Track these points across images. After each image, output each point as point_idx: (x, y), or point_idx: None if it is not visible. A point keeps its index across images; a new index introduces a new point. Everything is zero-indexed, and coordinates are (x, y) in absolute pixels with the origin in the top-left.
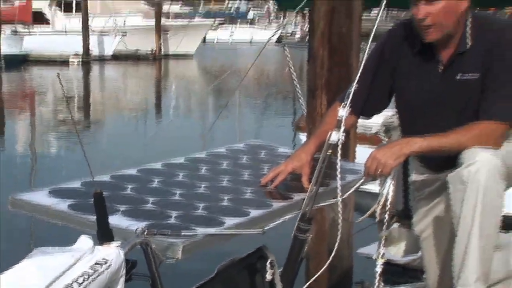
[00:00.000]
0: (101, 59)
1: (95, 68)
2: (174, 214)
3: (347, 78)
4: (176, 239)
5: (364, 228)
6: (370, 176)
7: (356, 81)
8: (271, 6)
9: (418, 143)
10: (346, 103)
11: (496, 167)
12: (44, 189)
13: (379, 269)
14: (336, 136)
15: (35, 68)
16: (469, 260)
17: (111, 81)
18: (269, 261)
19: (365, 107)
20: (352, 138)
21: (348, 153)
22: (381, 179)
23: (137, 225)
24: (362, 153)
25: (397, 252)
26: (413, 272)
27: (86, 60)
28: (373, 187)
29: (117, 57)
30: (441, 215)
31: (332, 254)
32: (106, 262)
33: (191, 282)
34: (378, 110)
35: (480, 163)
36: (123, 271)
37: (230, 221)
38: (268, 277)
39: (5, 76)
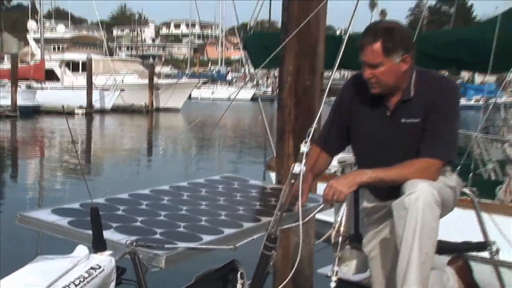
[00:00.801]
0: (102, 111)
1: (96, 119)
2: (159, 231)
3: (310, 125)
4: (160, 251)
5: (321, 249)
6: (328, 202)
7: (314, 122)
8: (247, 70)
9: (368, 174)
10: (307, 141)
11: (433, 196)
12: (48, 208)
13: (333, 284)
14: (298, 168)
15: (45, 117)
16: (410, 274)
17: (110, 129)
18: (239, 273)
19: (334, 147)
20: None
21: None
22: (336, 206)
23: (127, 239)
24: (322, 188)
25: (348, 270)
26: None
27: (89, 111)
28: (330, 218)
29: (116, 110)
30: (387, 237)
31: (293, 269)
32: (99, 267)
33: (172, 287)
34: (342, 148)
35: (419, 192)
36: (114, 276)
37: (206, 238)
38: (239, 286)
39: (20, 124)
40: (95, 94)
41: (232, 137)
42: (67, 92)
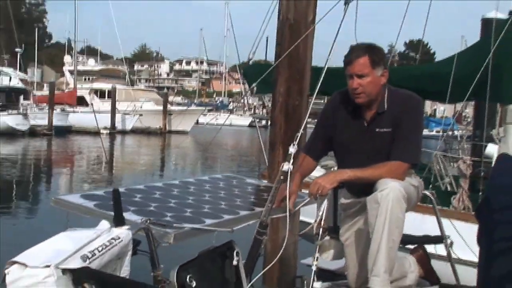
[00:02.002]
0: (123, 132)
1: (118, 138)
2: (169, 214)
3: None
4: (169, 229)
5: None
6: (312, 195)
7: (301, 129)
8: (246, 100)
9: (348, 173)
10: (295, 143)
11: (400, 192)
12: (77, 193)
13: (314, 267)
14: (287, 167)
15: (76, 136)
16: (379, 257)
17: (129, 147)
18: (235, 251)
19: (317, 153)
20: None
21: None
22: (318, 201)
23: (142, 218)
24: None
25: (327, 257)
26: (339, 276)
27: (112, 132)
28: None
29: (135, 131)
30: (360, 228)
31: (280, 252)
32: (119, 238)
33: (179, 260)
34: (324, 154)
35: (389, 189)
36: (130, 247)
37: (208, 221)
38: (234, 262)
39: (55, 141)
40: (118, 118)
41: (232, 154)
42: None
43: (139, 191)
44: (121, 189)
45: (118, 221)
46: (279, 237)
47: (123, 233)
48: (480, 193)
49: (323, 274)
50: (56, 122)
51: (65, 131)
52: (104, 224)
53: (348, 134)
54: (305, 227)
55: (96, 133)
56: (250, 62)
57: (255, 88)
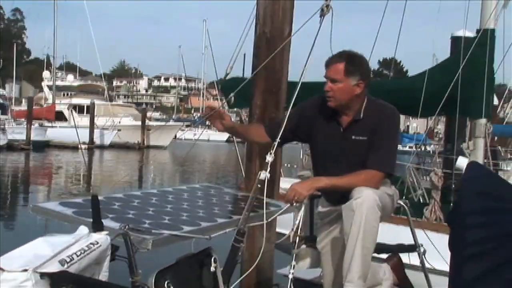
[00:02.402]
0: (102, 147)
1: (97, 153)
2: (147, 221)
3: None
4: (148, 235)
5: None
6: (289, 201)
7: (278, 138)
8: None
9: (324, 181)
10: (272, 152)
11: (375, 201)
12: (56, 201)
13: (291, 275)
14: (264, 175)
15: (54, 151)
16: (353, 264)
17: (108, 162)
18: (213, 258)
19: (273, 134)
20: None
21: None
22: (295, 210)
23: (120, 224)
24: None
25: (304, 265)
26: (315, 285)
27: (91, 147)
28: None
29: (113, 146)
30: (337, 236)
31: (258, 259)
32: (97, 243)
33: (157, 266)
34: (284, 143)
35: (364, 197)
36: (109, 252)
37: (187, 228)
38: (212, 269)
39: (32, 156)
40: (96, 133)
41: (210, 168)
42: (72, 130)
43: (118, 199)
44: (100, 198)
45: (97, 226)
46: (255, 246)
47: (102, 238)
48: (452, 204)
49: (299, 284)
50: (34, 137)
51: (43, 146)
52: (83, 229)
53: (324, 137)
54: (281, 238)
55: (74, 147)
56: (228, 77)
57: (232, 99)
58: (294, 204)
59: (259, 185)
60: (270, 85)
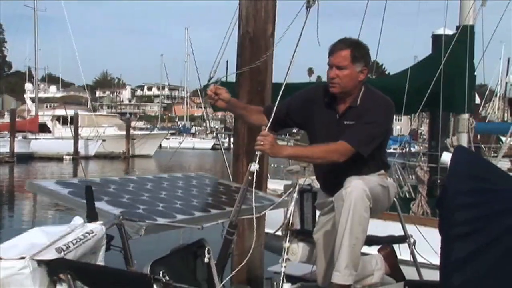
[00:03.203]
0: (87, 157)
1: (82, 163)
2: (141, 207)
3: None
4: (141, 222)
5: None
6: (255, 146)
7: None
8: (207, 124)
9: (288, 151)
10: (256, 160)
11: (364, 190)
12: (53, 180)
13: (283, 269)
14: (254, 167)
15: (38, 163)
16: (341, 253)
17: (93, 172)
18: (206, 249)
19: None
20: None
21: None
22: (286, 206)
23: (115, 210)
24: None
25: (295, 259)
26: (307, 281)
27: (76, 157)
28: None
29: (98, 156)
30: (331, 226)
31: (250, 253)
32: (92, 232)
33: (152, 257)
34: (280, 128)
35: (353, 187)
36: (104, 241)
37: (180, 217)
38: (206, 260)
39: (17, 168)
40: (81, 143)
41: (199, 169)
42: (57, 141)
43: (114, 182)
44: (96, 179)
45: (91, 216)
46: (245, 245)
47: (97, 227)
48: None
49: (290, 279)
50: (18, 149)
51: (27, 158)
52: (77, 219)
53: (320, 125)
54: (270, 238)
55: (59, 159)
56: (212, 81)
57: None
58: (256, 149)
59: (249, 177)
60: (255, 85)
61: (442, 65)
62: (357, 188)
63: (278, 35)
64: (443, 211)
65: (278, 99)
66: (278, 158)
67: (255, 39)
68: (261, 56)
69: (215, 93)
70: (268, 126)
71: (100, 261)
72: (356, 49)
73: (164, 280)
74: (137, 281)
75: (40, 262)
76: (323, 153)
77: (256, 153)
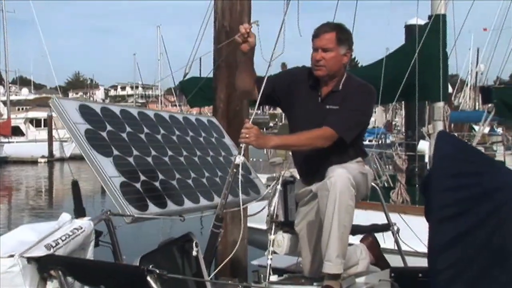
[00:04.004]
0: (62, 160)
1: (57, 166)
2: (141, 179)
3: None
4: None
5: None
6: (240, 139)
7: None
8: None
9: (275, 140)
10: (241, 153)
11: (348, 179)
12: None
13: (269, 261)
14: (239, 160)
15: (12, 167)
16: (331, 243)
17: (69, 175)
18: (194, 242)
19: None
20: None
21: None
22: (269, 199)
23: (116, 179)
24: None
25: (281, 251)
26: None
27: (50, 160)
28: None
29: (74, 158)
30: (313, 216)
31: (237, 245)
32: (81, 228)
33: (140, 252)
34: (264, 102)
35: (337, 176)
36: (93, 237)
37: (170, 207)
38: (194, 253)
39: None
40: (55, 145)
41: None
42: (31, 144)
43: (130, 122)
44: (116, 109)
45: (79, 212)
46: (227, 240)
47: (85, 223)
48: (417, 186)
49: (275, 272)
50: None
51: (1, 162)
52: (65, 216)
53: (301, 107)
54: (253, 233)
55: (33, 162)
56: (186, 77)
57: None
58: (240, 142)
59: (234, 170)
60: (233, 79)
61: (416, 54)
62: (341, 177)
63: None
64: (428, 196)
65: (263, 86)
66: (263, 148)
67: (231, 32)
68: (238, 49)
69: (247, 34)
70: (258, 103)
71: (90, 256)
72: (340, 32)
73: (157, 271)
74: (130, 274)
75: (30, 259)
76: (309, 140)
77: (241, 145)
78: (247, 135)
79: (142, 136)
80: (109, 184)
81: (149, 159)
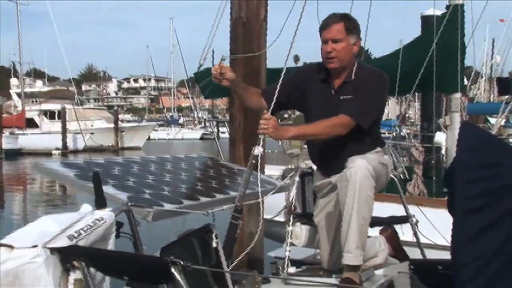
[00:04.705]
0: (75, 151)
1: (71, 158)
2: (147, 191)
3: (256, 135)
4: (149, 209)
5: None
6: (259, 130)
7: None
8: (195, 114)
9: (293, 131)
10: (260, 144)
11: (368, 169)
12: (57, 161)
13: (287, 253)
14: (258, 150)
15: (27, 158)
16: (350, 234)
17: None
18: (214, 233)
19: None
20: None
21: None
22: (287, 190)
23: (121, 195)
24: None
25: (299, 243)
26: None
27: (64, 152)
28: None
29: (87, 150)
30: (332, 208)
31: (257, 235)
32: (102, 219)
33: (160, 243)
34: (278, 110)
35: (357, 167)
36: (114, 228)
37: (186, 202)
38: (214, 244)
39: (5, 164)
40: (69, 138)
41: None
42: (45, 136)
43: (118, 164)
44: (101, 160)
45: (100, 203)
46: (244, 232)
47: (106, 214)
48: (434, 178)
49: (293, 263)
50: (6, 145)
51: (15, 154)
52: (86, 207)
53: (316, 102)
54: (268, 225)
55: (47, 154)
56: (201, 68)
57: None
58: (259, 133)
59: (253, 161)
60: (249, 70)
61: (434, 44)
62: (361, 168)
63: (270, 19)
64: (452, 189)
65: (279, 83)
66: (282, 139)
67: (248, 23)
68: (254, 41)
69: (220, 72)
70: (270, 110)
71: (111, 247)
72: (348, 21)
73: (182, 263)
74: (154, 265)
75: (53, 250)
76: (327, 129)
77: (260, 136)
78: (265, 126)
79: (134, 169)
80: (114, 200)
81: (149, 181)
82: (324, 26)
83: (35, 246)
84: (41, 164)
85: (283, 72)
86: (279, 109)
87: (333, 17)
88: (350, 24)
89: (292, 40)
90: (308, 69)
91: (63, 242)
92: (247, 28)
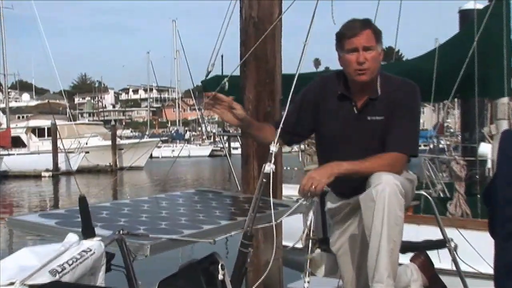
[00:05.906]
0: (68, 173)
1: (63, 180)
2: (142, 227)
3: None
4: (145, 240)
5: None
6: (305, 191)
7: (284, 118)
8: (203, 128)
9: (345, 166)
10: (275, 141)
11: (397, 186)
12: (35, 213)
13: (306, 284)
14: (269, 167)
15: (13, 182)
16: (380, 261)
17: (76, 190)
18: (220, 264)
19: (290, 138)
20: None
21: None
22: (305, 210)
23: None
24: None
25: (319, 273)
26: None
27: (56, 174)
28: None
29: (81, 171)
30: (353, 234)
31: (269, 266)
32: (90, 250)
33: (158, 276)
34: (298, 141)
35: (384, 184)
36: (104, 260)
37: (187, 231)
38: (220, 276)
39: None
40: (61, 157)
41: (194, 185)
42: (33, 156)
43: (106, 208)
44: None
45: (88, 232)
46: (260, 259)
47: (95, 245)
48: (479, 196)
49: None
50: None
51: (0, 177)
52: (72, 237)
53: (335, 123)
54: (287, 252)
55: (36, 176)
56: (209, 76)
57: (226, 85)
58: (309, 196)
59: (264, 180)
60: (262, 76)
61: (475, 42)
62: (389, 184)
63: (285, 18)
64: (492, 205)
65: (287, 107)
66: (333, 177)
67: (260, 23)
68: (267, 42)
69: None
70: (276, 142)
71: (100, 283)
72: (374, 27)
73: None
74: None
75: (32, 287)
76: (387, 167)
77: (270, 152)
78: (312, 183)
79: (125, 211)
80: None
81: (143, 218)
82: (354, 33)
83: (12, 284)
84: (14, 219)
85: (295, 79)
86: (298, 141)
87: (359, 23)
88: (377, 30)
89: (304, 42)
90: (318, 86)
91: (44, 278)
92: (259, 28)
